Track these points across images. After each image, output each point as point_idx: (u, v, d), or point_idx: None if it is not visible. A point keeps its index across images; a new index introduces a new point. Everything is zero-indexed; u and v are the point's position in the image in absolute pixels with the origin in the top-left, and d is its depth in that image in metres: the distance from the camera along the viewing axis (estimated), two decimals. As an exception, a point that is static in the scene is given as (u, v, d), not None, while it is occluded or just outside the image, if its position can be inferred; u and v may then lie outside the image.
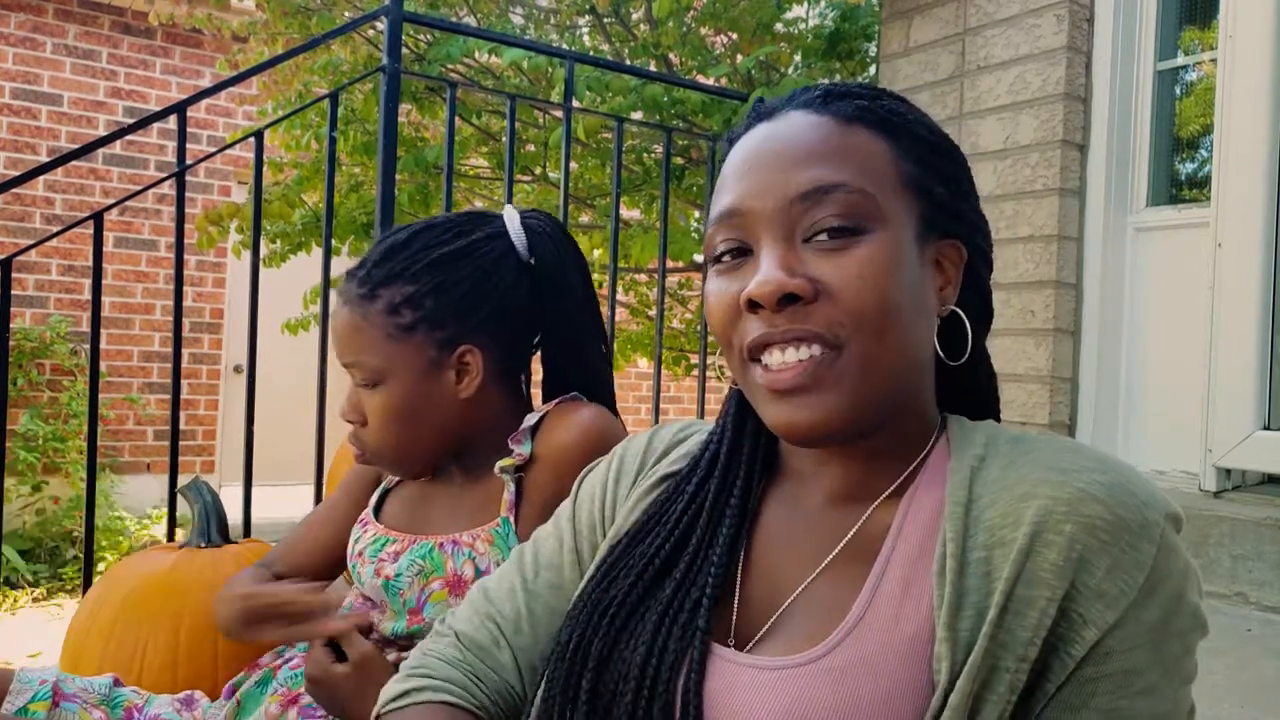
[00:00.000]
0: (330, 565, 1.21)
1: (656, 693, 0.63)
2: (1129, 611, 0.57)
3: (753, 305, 0.64)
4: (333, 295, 1.11)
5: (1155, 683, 0.58)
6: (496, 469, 1.06)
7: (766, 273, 0.63)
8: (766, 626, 0.66)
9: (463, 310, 1.05)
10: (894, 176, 0.66)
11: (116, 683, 1.13)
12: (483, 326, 1.07)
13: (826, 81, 0.74)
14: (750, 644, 0.66)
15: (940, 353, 0.69)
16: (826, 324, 0.63)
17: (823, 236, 0.64)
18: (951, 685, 0.57)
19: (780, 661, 0.62)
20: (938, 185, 0.69)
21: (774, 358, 0.64)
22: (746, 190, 0.67)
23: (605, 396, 1.17)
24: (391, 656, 1.02)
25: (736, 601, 0.69)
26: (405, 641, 1.03)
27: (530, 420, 1.09)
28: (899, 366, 0.65)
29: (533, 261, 1.11)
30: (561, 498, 1.01)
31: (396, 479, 1.18)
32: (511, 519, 1.04)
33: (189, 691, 1.17)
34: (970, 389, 0.75)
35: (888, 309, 0.63)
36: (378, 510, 1.16)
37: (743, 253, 0.67)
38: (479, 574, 1.02)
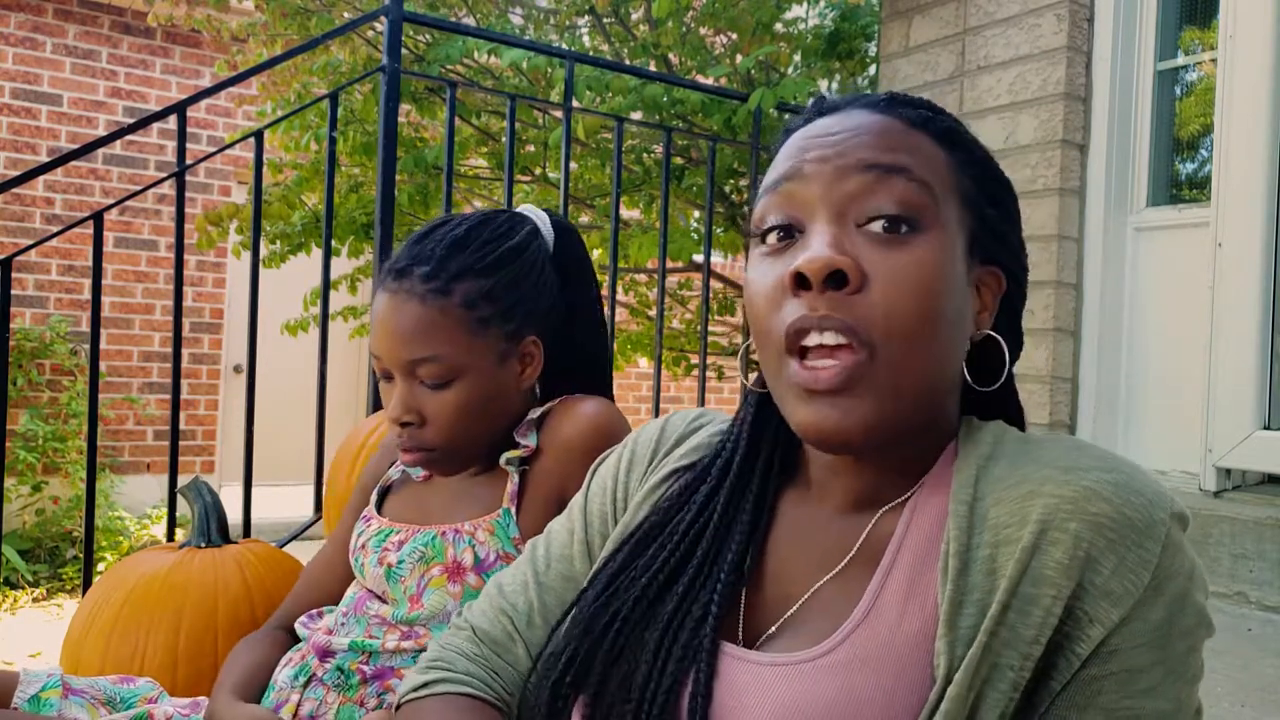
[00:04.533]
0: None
1: (660, 689, 0.64)
2: (1135, 610, 0.57)
3: (800, 281, 0.61)
4: (374, 295, 1.07)
5: (1159, 682, 0.58)
6: (503, 460, 1.07)
7: (817, 249, 0.61)
8: (774, 628, 0.67)
9: (527, 303, 1.08)
10: (953, 185, 0.66)
11: (124, 680, 1.13)
12: (540, 319, 1.11)
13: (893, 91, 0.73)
14: (757, 644, 0.67)
15: (968, 378, 0.68)
16: (862, 319, 0.60)
17: (878, 225, 0.62)
18: (950, 680, 0.57)
19: (784, 658, 0.63)
20: (989, 206, 0.68)
21: (812, 340, 0.61)
22: (804, 160, 0.65)
23: (607, 393, 1.19)
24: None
25: (744, 604, 0.69)
26: (405, 629, 1.04)
27: (534, 413, 1.11)
28: (930, 380, 0.64)
29: (559, 259, 1.15)
30: (566, 489, 1.03)
31: (397, 476, 1.19)
32: (513, 510, 1.06)
33: (194, 699, 1.17)
34: (999, 417, 0.73)
35: (928, 317, 0.62)
36: (379, 507, 1.17)
37: (791, 234, 0.65)
38: (478, 562, 1.03)
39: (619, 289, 4.13)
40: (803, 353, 0.62)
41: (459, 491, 1.12)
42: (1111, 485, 0.59)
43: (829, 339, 0.61)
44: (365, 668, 1.04)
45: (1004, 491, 0.61)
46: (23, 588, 4.30)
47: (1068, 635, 0.58)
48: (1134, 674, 0.57)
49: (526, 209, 1.17)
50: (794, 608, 0.67)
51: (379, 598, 1.08)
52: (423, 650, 0.95)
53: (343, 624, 1.09)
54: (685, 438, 0.82)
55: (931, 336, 0.62)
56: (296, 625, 1.13)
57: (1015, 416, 0.75)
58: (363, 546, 1.10)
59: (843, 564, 0.67)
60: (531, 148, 3.69)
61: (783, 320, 0.63)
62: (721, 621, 0.67)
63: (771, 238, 0.66)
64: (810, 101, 0.73)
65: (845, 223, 0.63)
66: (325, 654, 1.05)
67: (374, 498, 1.18)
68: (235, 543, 1.53)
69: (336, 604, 1.16)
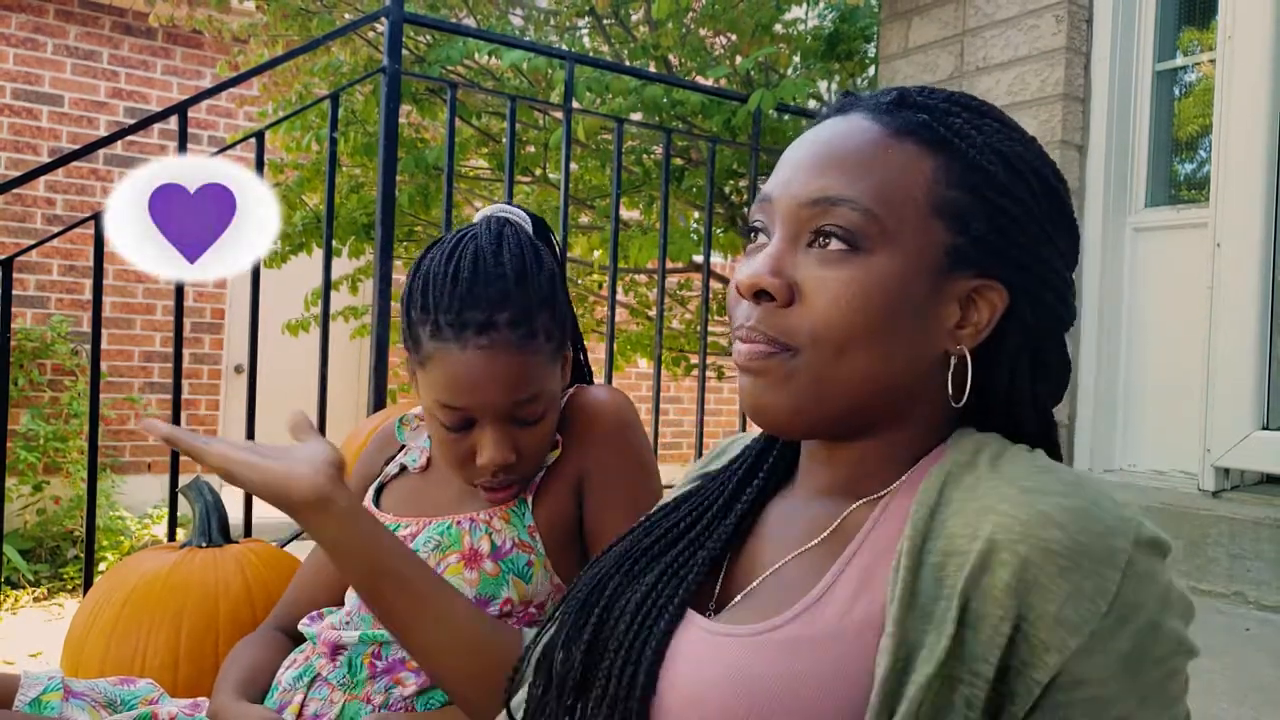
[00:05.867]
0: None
1: (624, 647, 0.67)
2: (1096, 641, 0.56)
3: (742, 290, 0.68)
4: (432, 347, 1.03)
5: (1132, 711, 0.57)
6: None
7: (755, 265, 0.67)
8: (737, 599, 0.70)
9: (567, 312, 1.11)
10: (925, 201, 0.65)
11: (124, 682, 1.13)
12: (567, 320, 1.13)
13: (925, 86, 0.74)
14: (720, 614, 0.70)
15: (963, 392, 0.68)
16: (786, 330, 0.66)
17: (821, 245, 0.66)
18: (897, 684, 0.57)
19: (731, 629, 0.65)
20: (981, 220, 0.65)
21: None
22: (778, 181, 0.70)
23: (587, 370, 1.23)
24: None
25: (722, 576, 0.73)
26: None
27: None
28: (859, 389, 0.66)
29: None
30: (584, 476, 1.09)
31: (395, 472, 1.19)
32: (529, 499, 1.08)
33: (195, 699, 1.17)
34: (1012, 436, 0.70)
35: (855, 333, 0.64)
36: (376, 503, 1.16)
37: (767, 235, 0.70)
38: (494, 549, 1.04)
39: (619, 289, 4.13)
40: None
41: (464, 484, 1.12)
42: (1068, 511, 0.58)
43: (756, 347, 0.68)
44: (377, 661, 1.04)
45: (965, 502, 0.61)
46: (24, 587, 4.30)
47: (1024, 661, 0.57)
48: (1104, 703, 0.56)
49: (503, 210, 1.14)
50: (757, 580, 0.70)
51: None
52: None
53: (347, 622, 1.08)
54: (722, 453, 0.88)
55: (862, 348, 0.65)
56: (300, 626, 1.12)
57: (1038, 434, 0.72)
58: None
59: (810, 544, 0.69)
60: (532, 149, 3.70)
61: (734, 318, 0.70)
62: (696, 590, 0.70)
63: (752, 238, 0.72)
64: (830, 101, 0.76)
65: (798, 241, 0.67)
66: (336, 649, 1.05)
67: (370, 494, 1.17)
68: (236, 542, 1.54)
69: (334, 603, 1.15)
